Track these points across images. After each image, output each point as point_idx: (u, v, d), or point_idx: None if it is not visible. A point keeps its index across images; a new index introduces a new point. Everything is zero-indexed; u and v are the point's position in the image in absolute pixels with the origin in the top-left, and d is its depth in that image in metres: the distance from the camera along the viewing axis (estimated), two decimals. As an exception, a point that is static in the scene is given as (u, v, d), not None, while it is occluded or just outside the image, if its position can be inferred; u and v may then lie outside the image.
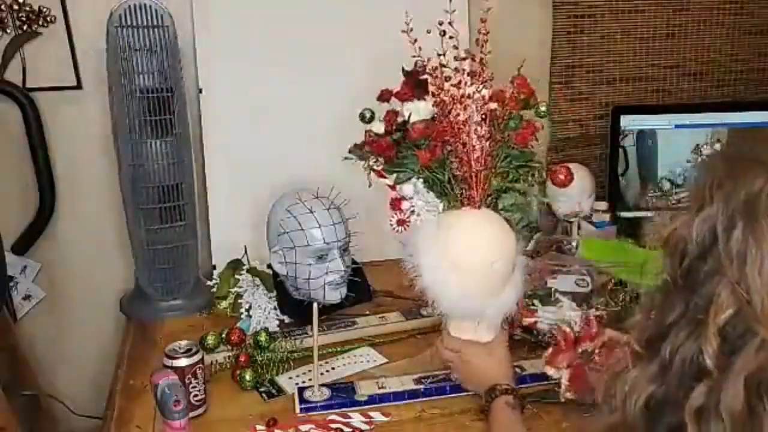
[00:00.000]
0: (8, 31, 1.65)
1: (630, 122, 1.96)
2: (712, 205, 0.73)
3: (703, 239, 0.73)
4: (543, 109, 1.26)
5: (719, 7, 2.08)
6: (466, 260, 1.17)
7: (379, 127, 1.28)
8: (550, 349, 1.25)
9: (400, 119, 1.26)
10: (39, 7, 1.65)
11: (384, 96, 1.28)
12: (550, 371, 1.23)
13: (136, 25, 1.45)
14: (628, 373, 0.78)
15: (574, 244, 1.73)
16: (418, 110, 1.23)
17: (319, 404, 1.25)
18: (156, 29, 1.47)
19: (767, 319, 0.68)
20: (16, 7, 1.64)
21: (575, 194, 1.72)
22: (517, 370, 1.34)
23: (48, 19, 1.66)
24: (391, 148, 1.25)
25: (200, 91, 1.71)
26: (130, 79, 1.47)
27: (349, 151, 1.30)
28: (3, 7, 1.63)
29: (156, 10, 1.47)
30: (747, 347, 0.69)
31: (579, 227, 1.76)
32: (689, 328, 0.73)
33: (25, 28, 1.65)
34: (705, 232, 0.73)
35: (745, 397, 0.68)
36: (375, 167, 1.29)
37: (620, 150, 1.97)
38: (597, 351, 1.21)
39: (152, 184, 1.53)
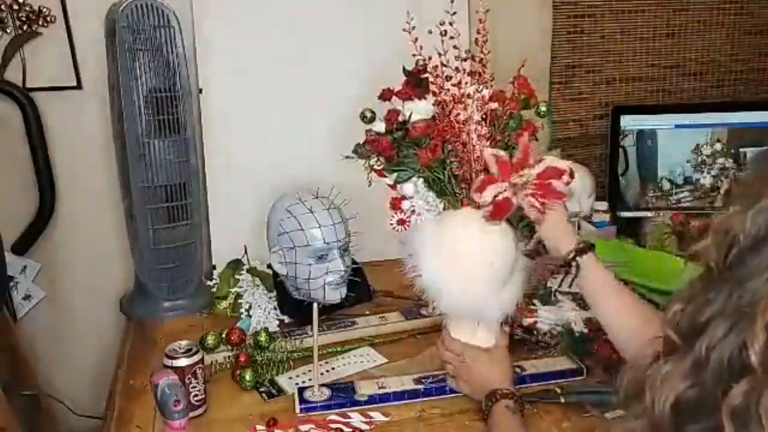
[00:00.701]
0: (8, 31, 1.65)
1: (630, 122, 1.96)
2: None
3: (757, 231, 0.70)
4: (543, 109, 1.25)
5: (719, 7, 2.09)
6: (466, 260, 1.17)
7: (380, 126, 1.28)
8: (482, 176, 1.12)
9: (400, 118, 1.26)
10: (39, 7, 1.65)
11: (385, 95, 1.28)
12: (476, 197, 1.12)
13: (143, 25, 1.45)
14: (660, 366, 0.74)
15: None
16: (418, 110, 1.23)
17: (319, 404, 1.25)
18: (162, 29, 1.47)
19: None
20: (16, 7, 1.64)
21: (575, 194, 1.71)
22: (517, 370, 1.34)
23: (48, 19, 1.66)
24: (392, 148, 1.25)
25: (200, 91, 1.71)
26: (137, 79, 1.46)
27: (353, 151, 1.29)
28: (3, 7, 1.63)
29: (162, 11, 1.47)
30: None
31: (579, 227, 1.76)
32: (731, 321, 0.70)
33: (25, 28, 1.66)
34: (760, 225, 0.70)
35: None
36: (375, 166, 1.28)
37: (620, 150, 1.98)
38: (532, 182, 1.12)
39: (159, 183, 1.53)
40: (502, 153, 1.13)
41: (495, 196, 1.11)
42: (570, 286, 1.15)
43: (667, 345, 0.76)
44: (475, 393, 1.22)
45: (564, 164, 1.14)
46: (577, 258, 1.12)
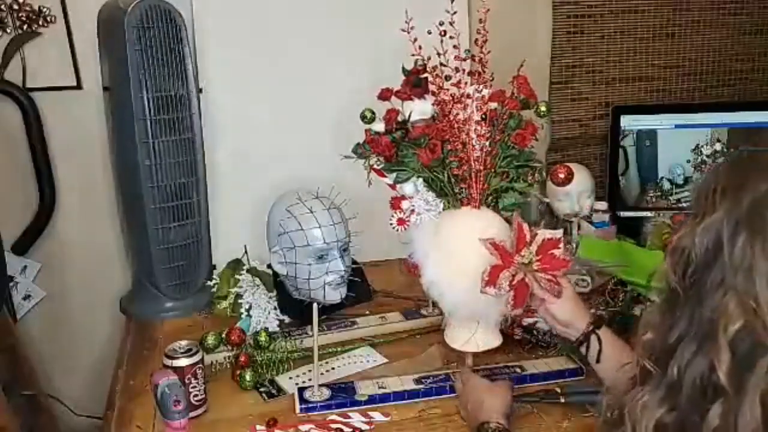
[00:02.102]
0: (8, 31, 1.65)
1: (630, 122, 1.96)
2: (716, 212, 0.71)
3: (707, 248, 0.71)
4: (543, 109, 1.25)
5: (719, 7, 2.09)
6: (465, 260, 1.17)
7: (379, 126, 1.28)
8: (488, 268, 1.11)
9: (400, 118, 1.26)
10: (39, 7, 1.65)
11: (384, 95, 1.28)
12: (491, 291, 1.11)
13: (151, 25, 1.45)
14: (637, 393, 0.75)
15: (574, 244, 1.73)
16: (418, 109, 1.23)
17: (319, 404, 1.25)
18: (169, 29, 1.47)
19: None
20: (16, 7, 1.64)
21: (575, 194, 1.71)
22: (517, 370, 1.34)
23: (48, 19, 1.67)
24: (391, 148, 1.25)
25: (200, 90, 1.71)
26: (146, 79, 1.46)
27: (352, 151, 1.29)
28: (3, 7, 1.63)
29: (168, 11, 1.47)
30: (760, 362, 0.66)
31: (579, 227, 1.76)
32: (697, 341, 0.71)
33: (25, 28, 1.66)
34: (709, 241, 0.71)
35: (763, 417, 0.66)
36: (375, 166, 1.29)
37: (620, 150, 1.98)
38: (536, 258, 1.13)
39: (167, 182, 1.53)
40: (496, 240, 1.13)
41: (510, 282, 1.11)
42: (597, 360, 1.13)
43: (642, 372, 0.77)
44: (469, 421, 1.17)
45: (557, 233, 1.15)
46: (596, 331, 1.12)
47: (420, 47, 1.16)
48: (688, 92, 2.14)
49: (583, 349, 1.14)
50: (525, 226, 1.14)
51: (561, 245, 1.14)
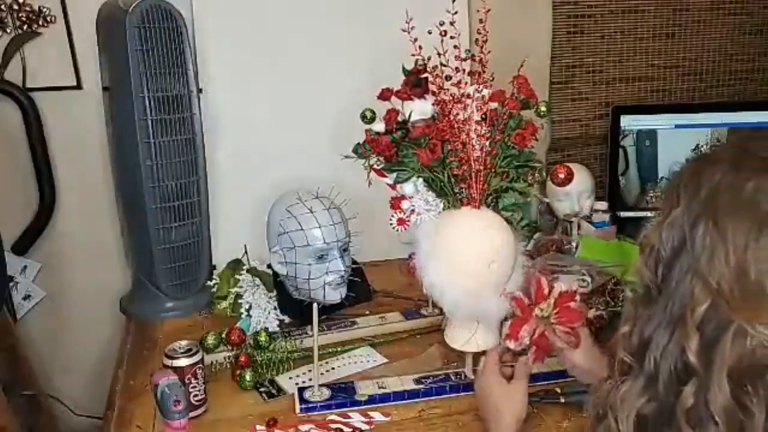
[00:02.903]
0: (8, 31, 1.65)
1: (630, 122, 1.96)
2: (678, 207, 0.76)
3: (673, 241, 0.76)
4: (543, 109, 1.26)
5: (719, 7, 2.08)
6: (465, 260, 1.17)
7: (379, 126, 1.28)
8: (509, 322, 1.17)
9: (400, 118, 1.26)
10: (39, 7, 1.65)
11: (384, 95, 1.28)
12: (512, 344, 1.15)
13: (151, 26, 1.45)
14: (618, 386, 0.79)
15: (574, 244, 1.73)
16: (418, 109, 1.23)
17: (319, 404, 1.25)
18: (170, 30, 1.47)
19: (738, 305, 0.70)
20: (16, 7, 1.64)
21: (575, 194, 1.71)
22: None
23: (48, 19, 1.66)
24: (391, 148, 1.25)
25: (200, 90, 1.71)
26: (146, 79, 1.46)
27: (352, 151, 1.29)
28: (3, 7, 1.63)
29: (170, 11, 1.47)
30: (724, 337, 0.71)
31: (579, 227, 1.76)
32: (670, 330, 0.75)
33: (25, 28, 1.65)
34: (673, 235, 0.76)
35: (731, 391, 0.69)
36: (375, 166, 1.29)
37: (620, 150, 1.98)
38: (553, 311, 1.17)
39: (168, 182, 1.53)
40: (517, 294, 1.17)
41: (531, 336, 1.15)
42: None
43: (621, 366, 0.80)
44: (485, 423, 1.15)
45: (573, 285, 1.20)
46: None
47: (420, 47, 1.16)
48: (688, 92, 2.14)
49: None
50: (544, 280, 1.18)
51: (577, 297, 1.18)
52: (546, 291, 1.18)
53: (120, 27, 1.44)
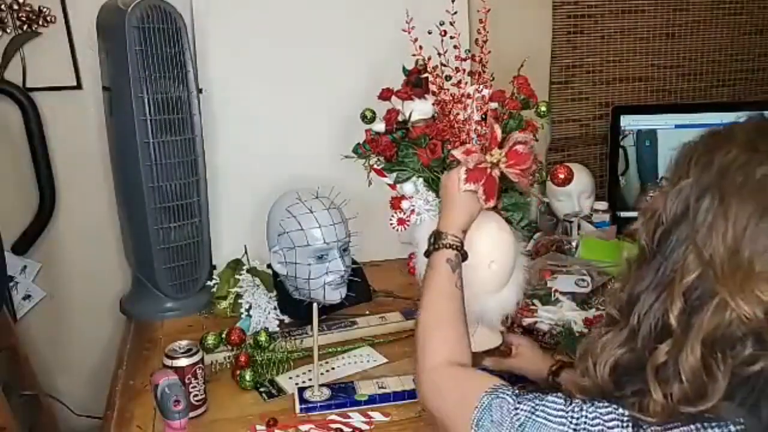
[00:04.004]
0: (8, 30, 1.65)
1: (630, 122, 1.96)
2: (688, 179, 0.78)
3: (676, 210, 0.79)
4: (543, 109, 1.26)
5: (719, 7, 2.09)
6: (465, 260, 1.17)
7: (380, 126, 1.28)
8: (463, 170, 1.13)
9: (400, 118, 1.26)
10: (39, 6, 1.65)
11: (384, 95, 1.28)
12: (471, 187, 1.13)
13: (150, 26, 1.45)
14: (601, 339, 0.83)
15: (574, 244, 1.73)
16: (418, 109, 1.23)
17: (319, 404, 1.25)
18: (169, 30, 1.47)
19: (726, 280, 0.73)
20: (16, 6, 1.64)
21: (575, 194, 1.72)
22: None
23: (48, 19, 1.66)
24: (391, 148, 1.25)
25: (200, 91, 1.71)
26: (145, 80, 1.46)
27: (353, 151, 1.29)
28: (3, 6, 1.63)
29: (169, 12, 1.47)
30: (706, 307, 0.74)
31: (579, 227, 1.76)
32: (657, 292, 0.79)
33: (25, 27, 1.65)
34: (678, 203, 0.79)
35: (702, 355, 0.73)
36: (375, 166, 1.29)
37: (620, 150, 1.98)
38: (504, 159, 1.15)
39: (167, 183, 1.53)
40: (468, 145, 1.16)
41: (476, 164, 1.14)
42: None
43: (608, 319, 0.85)
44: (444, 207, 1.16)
45: (528, 136, 1.18)
46: (561, 371, 1.20)
47: (421, 47, 1.17)
48: (688, 92, 2.14)
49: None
50: (498, 128, 1.16)
51: (530, 144, 1.17)
52: (499, 139, 1.17)
53: (119, 27, 1.44)
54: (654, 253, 0.80)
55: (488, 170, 1.13)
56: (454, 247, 1.08)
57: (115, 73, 1.53)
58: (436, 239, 1.10)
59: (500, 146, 1.15)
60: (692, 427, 0.74)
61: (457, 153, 1.14)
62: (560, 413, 0.80)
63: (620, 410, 0.78)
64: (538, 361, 1.25)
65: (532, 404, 0.82)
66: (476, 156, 1.13)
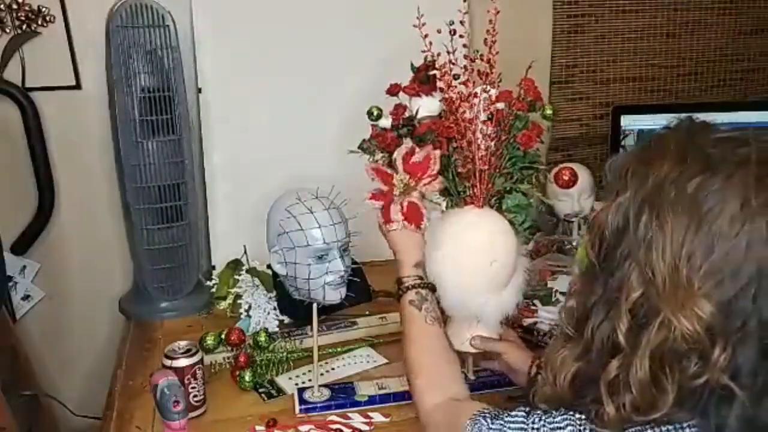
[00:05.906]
0: (7, 30, 1.65)
1: (630, 122, 1.96)
2: (626, 192, 0.80)
3: (617, 225, 0.80)
4: (549, 112, 1.25)
5: (719, 7, 2.09)
6: (466, 259, 1.17)
7: (386, 122, 1.28)
8: (379, 214, 1.20)
9: (407, 114, 1.26)
10: (38, 6, 1.65)
11: (392, 90, 1.28)
12: (394, 226, 1.19)
13: (137, 25, 1.45)
14: (559, 352, 0.86)
15: (574, 244, 1.73)
16: (426, 106, 1.23)
17: (318, 405, 1.25)
18: (157, 29, 1.47)
19: (668, 298, 0.74)
20: (15, 6, 1.64)
21: (576, 194, 1.71)
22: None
23: (47, 18, 1.66)
24: (397, 143, 1.25)
25: (200, 91, 1.71)
26: (131, 79, 1.46)
27: (358, 147, 1.29)
28: (2, 6, 1.63)
29: (157, 10, 1.47)
30: (651, 325, 0.76)
31: (579, 227, 1.76)
32: (606, 308, 0.81)
33: (24, 27, 1.65)
34: (619, 218, 0.80)
35: (651, 370, 0.75)
36: (380, 162, 1.28)
37: (620, 150, 1.97)
38: (407, 178, 1.18)
39: (152, 183, 1.52)
40: (376, 165, 1.20)
41: (402, 211, 1.18)
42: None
43: (563, 334, 0.87)
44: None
45: (407, 145, 1.20)
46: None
47: (431, 42, 1.16)
48: (687, 92, 2.14)
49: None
50: (385, 169, 1.19)
51: (416, 150, 1.18)
52: (389, 171, 1.19)
53: (107, 26, 1.45)
54: (601, 269, 0.82)
55: (402, 202, 1.17)
56: (413, 286, 1.15)
57: (107, 72, 1.53)
58: (397, 287, 1.17)
59: (395, 168, 1.18)
60: (647, 427, 0.77)
61: (369, 201, 1.18)
62: (521, 427, 0.85)
63: (577, 415, 0.81)
64: (519, 362, 1.25)
65: (501, 422, 0.87)
66: (379, 199, 1.18)
